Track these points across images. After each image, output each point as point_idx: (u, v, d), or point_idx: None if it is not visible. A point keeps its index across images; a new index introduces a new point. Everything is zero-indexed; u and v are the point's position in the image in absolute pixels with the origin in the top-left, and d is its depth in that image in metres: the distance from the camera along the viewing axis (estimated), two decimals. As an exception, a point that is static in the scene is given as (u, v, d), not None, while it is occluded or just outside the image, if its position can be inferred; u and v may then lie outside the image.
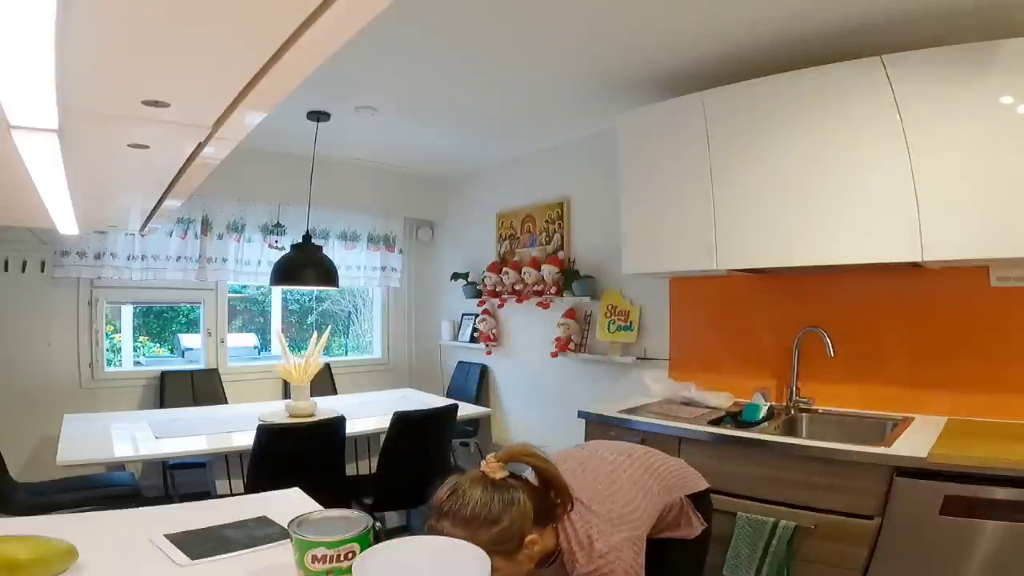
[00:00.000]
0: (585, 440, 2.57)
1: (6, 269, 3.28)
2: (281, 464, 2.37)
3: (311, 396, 2.91)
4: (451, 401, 3.18)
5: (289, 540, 0.90)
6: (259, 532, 1.22)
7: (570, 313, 3.59)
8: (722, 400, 2.59)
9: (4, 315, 3.28)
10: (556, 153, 3.79)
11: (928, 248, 1.95)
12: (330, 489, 2.37)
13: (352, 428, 2.70)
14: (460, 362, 4.55)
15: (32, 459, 3.24)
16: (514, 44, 2.34)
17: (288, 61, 0.83)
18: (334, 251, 4.29)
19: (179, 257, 3.77)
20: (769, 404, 2.46)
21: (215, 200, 3.83)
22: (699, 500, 1.44)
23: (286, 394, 3.67)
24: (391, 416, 2.65)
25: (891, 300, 2.36)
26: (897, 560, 1.74)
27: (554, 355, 3.64)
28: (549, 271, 3.62)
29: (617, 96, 2.86)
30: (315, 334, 2.97)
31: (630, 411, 2.54)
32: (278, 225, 4.07)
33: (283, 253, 3.26)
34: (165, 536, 1.17)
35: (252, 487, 2.32)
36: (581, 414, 2.62)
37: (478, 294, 4.21)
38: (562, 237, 3.71)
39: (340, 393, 4.15)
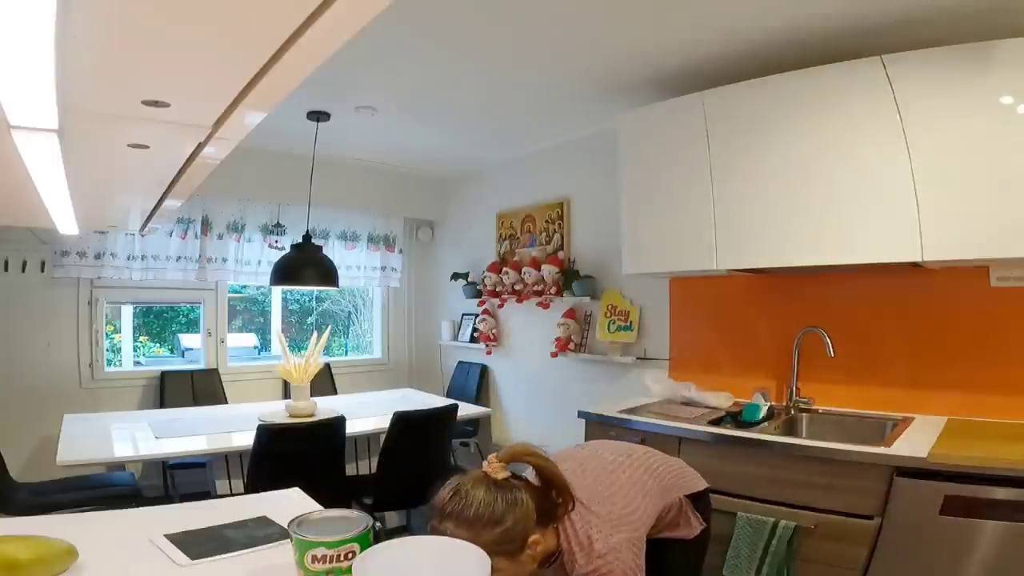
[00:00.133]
0: (585, 440, 2.57)
1: (6, 269, 3.28)
2: (281, 464, 2.37)
3: (311, 396, 2.91)
4: (451, 401, 3.18)
5: (289, 540, 0.90)
6: (259, 532, 1.22)
7: (570, 313, 3.59)
8: (722, 400, 2.59)
9: (4, 315, 3.28)
10: (556, 153, 3.79)
11: (928, 248, 1.95)
12: (330, 489, 2.37)
13: (352, 428, 2.70)
14: (460, 362, 4.55)
15: (32, 459, 3.24)
16: (514, 44, 2.34)
17: (288, 61, 0.83)
18: (334, 251, 4.29)
19: (179, 257, 3.77)
20: (769, 404, 2.46)
21: (215, 200, 3.83)
22: (698, 500, 1.44)
23: (286, 394, 3.67)
24: (391, 416, 2.65)
25: (891, 300, 2.36)
26: (897, 560, 1.74)
27: (554, 355, 3.64)
28: (549, 271, 3.62)
29: (617, 96, 2.86)
30: (315, 334, 2.97)
31: (630, 411, 2.54)
32: (278, 225, 4.07)
33: (283, 253, 3.26)
34: (165, 536, 1.17)
35: (252, 487, 2.32)
36: (581, 414, 2.62)
37: (478, 294, 4.21)
38: (562, 237, 3.71)
39: (340, 393, 4.15)
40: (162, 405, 3.59)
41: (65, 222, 2.25)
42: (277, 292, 4.42)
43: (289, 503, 1.42)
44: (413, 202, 4.70)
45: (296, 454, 2.43)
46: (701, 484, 1.48)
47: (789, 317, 2.60)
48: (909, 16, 2.00)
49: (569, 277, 3.53)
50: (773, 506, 1.98)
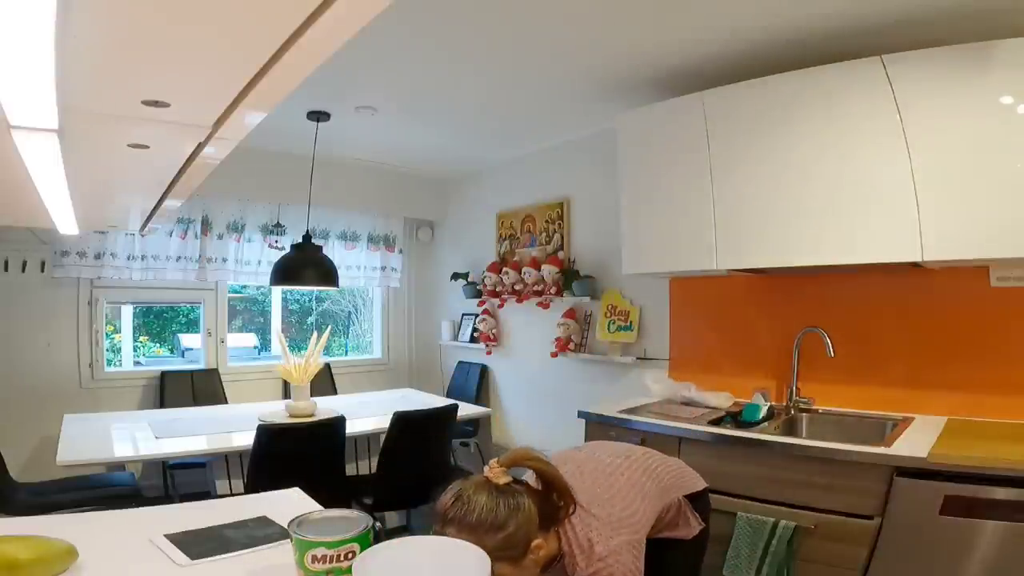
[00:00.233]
0: (585, 440, 2.57)
1: (6, 269, 3.28)
2: (281, 464, 2.37)
3: (311, 396, 2.91)
4: (451, 401, 3.18)
5: (289, 540, 0.90)
6: (259, 532, 1.22)
7: (570, 313, 3.59)
8: (722, 400, 2.59)
9: (4, 315, 3.28)
10: (556, 153, 3.79)
11: (928, 248, 1.95)
12: (330, 489, 2.37)
13: (352, 428, 2.70)
14: (460, 362, 4.55)
15: (32, 459, 3.24)
16: (514, 44, 2.34)
17: (288, 61, 0.83)
18: (334, 251, 4.29)
19: (179, 257, 3.77)
20: (769, 404, 2.46)
21: (215, 200, 3.83)
22: (697, 500, 1.44)
23: (286, 394, 3.67)
24: (391, 416, 2.64)
25: (891, 300, 2.36)
26: (897, 560, 1.74)
27: (554, 355, 3.64)
28: (549, 271, 3.62)
29: (617, 96, 2.86)
30: (315, 334, 2.97)
31: (630, 411, 2.54)
32: (278, 225, 4.07)
33: (283, 253, 3.26)
34: (165, 536, 1.17)
35: (252, 487, 2.32)
36: (581, 414, 2.62)
37: (478, 294, 4.21)
38: (562, 237, 3.71)
39: (340, 393, 4.15)
40: (162, 405, 3.59)
41: (65, 222, 2.25)
42: (277, 292, 4.42)
43: (289, 503, 1.42)
44: (413, 202, 4.70)
45: (296, 454, 2.43)
46: (700, 484, 1.48)
47: (789, 317, 2.60)
48: (909, 16, 2.00)
49: (569, 277, 3.53)
50: (773, 506, 1.98)
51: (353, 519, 0.93)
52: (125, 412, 3.29)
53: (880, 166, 2.05)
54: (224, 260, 3.92)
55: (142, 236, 3.55)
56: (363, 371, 4.66)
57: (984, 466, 1.61)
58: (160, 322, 4.24)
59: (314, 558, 0.86)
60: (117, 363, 3.81)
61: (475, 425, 4.02)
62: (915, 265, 2.07)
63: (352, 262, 4.46)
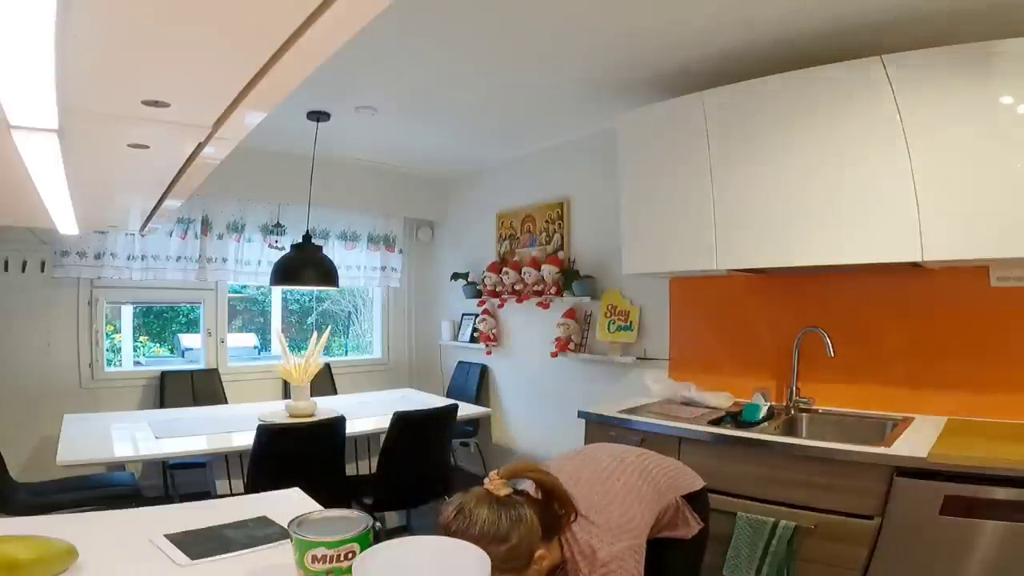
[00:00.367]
0: (585, 440, 2.57)
1: (6, 269, 3.28)
2: (281, 464, 2.37)
3: (311, 396, 2.91)
4: (451, 401, 3.18)
5: (289, 540, 0.90)
6: (259, 532, 1.21)
7: (570, 313, 3.59)
8: (722, 400, 2.59)
9: (4, 315, 3.28)
10: (556, 153, 3.79)
11: (928, 248, 1.95)
12: (330, 489, 2.37)
13: (352, 428, 2.70)
14: (460, 362, 4.55)
15: (32, 459, 3.24)
16: (514, 44, 2.34)
17: (288, 61, 0.83)
18: (334, 251, 4.29)
19: (179, 257, 3.77)
20: (769, 404, 2.46)
21: (215, 200, 3.83)
22: (696, 500, 1.44)
23: (286, 394, 3.67)
24: (391, 416, 2.64)
25: (891, 300, 2.36)
26: (897, 560, 1.74)
27: (554, 355, 3.64)
28: (549, 271, 3.62)
29: (617, 96, 2.86)
30: (315, 334, 2.97)
31: (630, 411, 2.54)
32: (278, 225, 4.07)
33: (283, 253, 3.26)
34: (165, 536, 1.17)
35: (252, 487, 2.32)
36: (581, 414, 2.62)
37: (478, 294, 4.21)
38: (562, 237, 3.71)
39: (340, 393, 4.15)
40: (162, 405, 3.59)
41: (65, 222, 2.25)
42: (277, 292, 4.42)
43: (289, 503, 1.42)
44: (413, 202, 4.70)
45: (296, 454, 2.43)
46: (697, 484, 1.48)
47: (789, 317, 2.60)
48: (909, 15, 2.00)
49: (569, 277, 3.53)
50: (773, 506, 1.98)
51: (353, 519, 0.93)
52: (125, 412, 3.29)
53: (880, 166, 2.05)
54: (224, 260, 3.92)
55: (142, 236, 3.55)
56: (363, 371, 4.66)
57: (984, 466, 1.61)
58: (160, 322, 4.24)
59: (314, 558, 0.86)
60: (117, 363, 3.81)
61: (475, 425, 4.02)
62: (915, 265, 2.07)
63: (352, 262, 4.47)
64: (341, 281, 3.46)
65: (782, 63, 2.33)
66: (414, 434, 2.72)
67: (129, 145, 1.26)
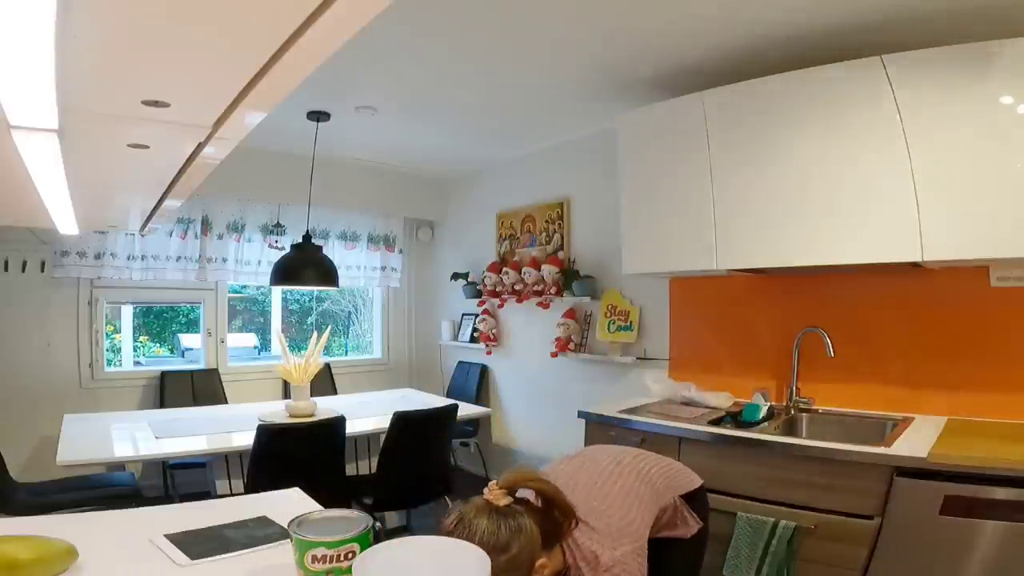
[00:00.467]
0: (585, 440, 2.57)
1: (6, 269, 3.28)
2: (281, 464, 2.37)
3: (311, 396, 2.91)
4: (451, 401, 3.18)
5: (289, 540, 0.90)
6: (259, 532, 1.21)
7: (570, 313, 3.59)
8: (722, 400, 2.59)
9: (4, 315, 3.28)
10: (556, 153, 3.79)
11: (928, 248, 1.95)
12: (330, 489, 2.37)
13: (352, 428, 2.70)
14: (460, 362, 4.55)
15: (32, 459, 3.24)
16: (514, 44, 2.34)
17: (288, 61, 0.83)
18: (334, 251, 4.29)
19: (179, 257, 3.77)
20: (769, 404, 2.46)
21: (215, 200, 3.83)
22: (694, 499, 1.44)
23: (286, 394, 3.67)
24: (391, 416, 2.64)
25: (891, 300, 2.36)
26: (897, 560, 1.74)
27: (554, 355, 3.64)
28: (549, 271, 3.62)
29: (617, 96, 2.86)
30: (315, 334, 2.97)
31: (630, 411, 2.54)
32: (278, 225, 4.07)
33: (283, 253, 3.26)
34: (165, 536, 1.17)
35: (252, 487, 2.32)
36: (581, 414, 2.61)
37: (478, 294, 4.21)
38: (562, 237, 3.71)
39: (340, 393, 4.15)
40: (162, 405, 3.59)
41: (65, 222, 2.25)
42: (277, 292, 4.42)
43: (289, 503, 1.42)
44: (413, 202, 4.70)
45: (296, 454, 2.43)
46: (695, 482, 1.48)
47: (789, 317, 2.60)
48: (909, 15, 2.00)
49: (569, 277, 3.53)
50: (773, 506, 1.98)
51: (353, 519, 0.93)
52: (125, 412, 3.29)
53: (880, 166, 2.05)
54: (224, 260, 3.92)
55: (142, 236, 3.55)
56: (363, 371, 4.66)
57: (984, 466, 1.61)
58: (160, 322, 4.24)
59: (314, 558, 0.86)
60: (117, 363, 3.81)
61: (475, 425, 4.02)
62: (915, 265, 2.07)
63: (352, 262, 4.47)
64: (341, 281, 3.46)
65: (782, 63, 2.33)
66: (414, 434, 2.72)
67: (129, 145, 1.26)
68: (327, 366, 4.24)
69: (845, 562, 1.83)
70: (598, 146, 3.40)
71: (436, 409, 2.86)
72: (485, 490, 1.06)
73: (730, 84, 2.41)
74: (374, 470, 2.77)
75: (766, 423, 2.32)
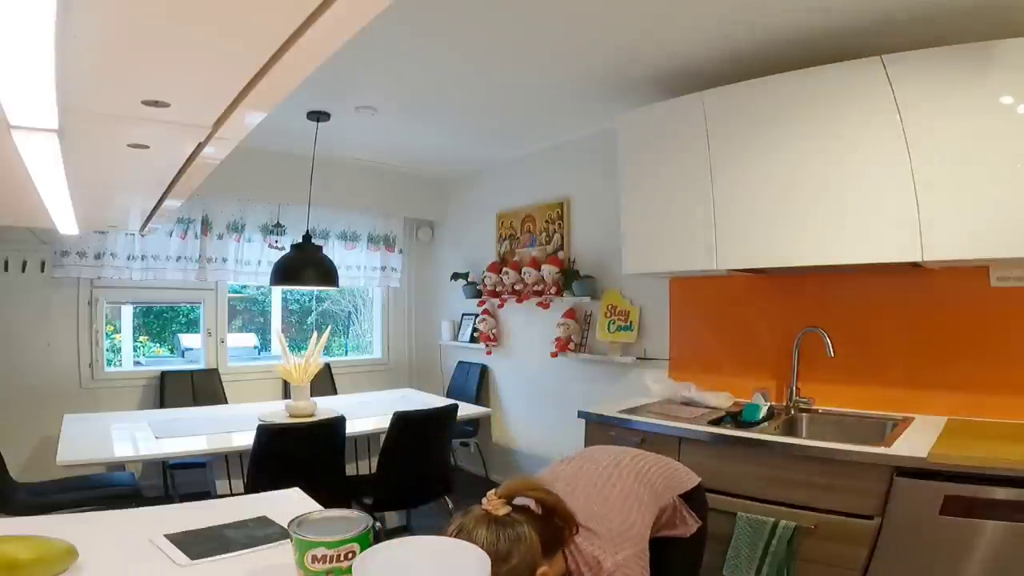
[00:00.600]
0: (584, 440, 2.57)
1: (6, 269, 3.28)
2: (281, 464, 2.37)
3: (311, 396, 2.91)
4: (451, 401, 3.18)
5: (289, 540, 0.90)
6: (259, 532, 1.21)
7: (570, 313, 3.59)
8: (722, 400, 2.59)
9: (4, 315, 3.28)
10: (556, 153, 3.79)
11: (928, 248, 1.95)
12: (330, 489, 2.37)
13: (352, 428, 2.70)
14: (460, 362, 4.55)
15: (32, 459, 3.24)
16: (514, 44, 2.34)
17: (288, 61, 0.83)
18: (334, 251, 4.29)
19: (179, 257, 3.77)
20: (769, 404, 2.46)
21: (215, 200, 3.83)
22: (692, 498, 1.44)
23: (286, 394, 3.67)
24: (391, 416, 2.64)
25: (891, 300, 2.36)
26: (897, 560, 1.74)
27: (554, 355, 3.64)
28: (549, 271, 3.62)
29: (617, 96, 2.86)
30: (315, 334, 2.97)
31: (630, 411, 2.54)
32: (278, 225, 4.07)
33: (283, 253, 3.26)
34: (165, 536, 1.17)
35: (252, 487, 2.32)
36: (581, 414, 2.61)
37: (478, 294, 4.21)
38: (562, 237, 3.71)
39: (340, 393, 4.15)
40: (162, 405, 3.59)
41: (65, 222, 2.25)
42: (277, 292, 4.42)
43: (289, 503, 1.42)
44: (413, 202, 4.70)
45: (296, 454, 2.43)
46: (692, 481, 1.48)
47: (789, 317, 2.60)
48: (909, 16, 2.00)
49: (569, 277, 3.53)
50: (773, 506, 1.98)
51: (353, 519, 0.93)
52: (125, 412, 3.29)
53: (880, 166, 2.04)
54: (224, 260, 3.92)
55: (142, 236, 3.55)
56: (363, 371, 4.66)
57: (984, 466, 1.61)
58: (160, 322, 4.24)
59: (314, 558, 0.86)
60: (117, 363, 3.81)
61: (475, 425, 4.02)
62: (915, 265, 2.07)
63: (352, 262, 4.47)
64: (341, 281, 3.46)
65: (782, 63, 2.33)
66: (414, 434, 2.72)
67: (129, 145, 1.26)
68: (327, 366, 4.24)
69: (845, 562, 1.83)
70: (598, 146, 3.40)
71: (436, 409, 2.86)
72: (484, 500, 1.05)
73: (730, 84, 2.41)
74: (374, 470, 2.77)
75: (766, 423, 2.32)
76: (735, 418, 2.43)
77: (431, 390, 4.25)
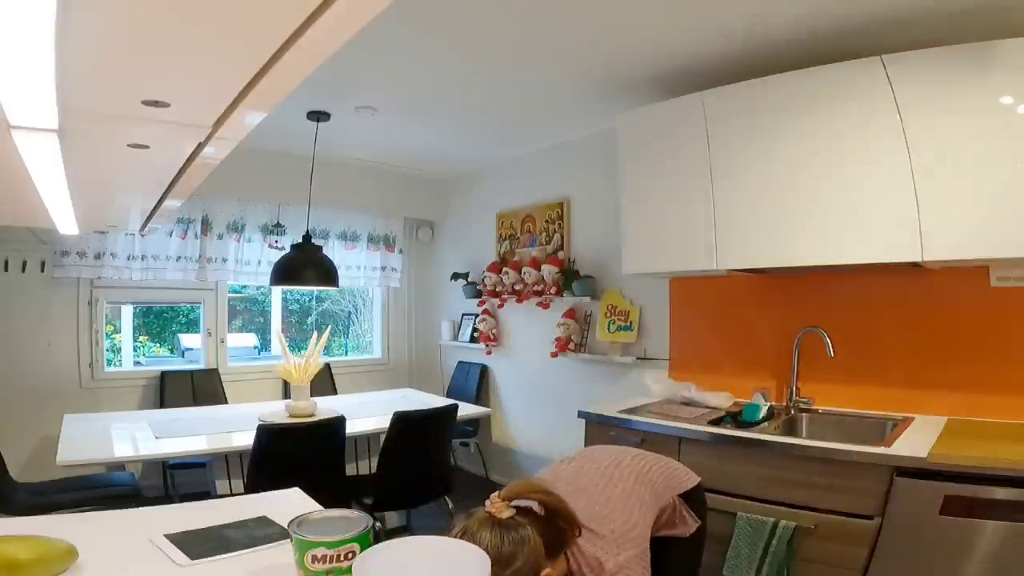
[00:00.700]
0: (584, 440, 2.57)
1: (6, 269, 3.28)
2: (281, 464, 2.37)
3: (311, 396, 2.91)
4: (451, 401, 3.18)
5: (289, 540, 0.90)
6: (259, 532, 1.21)
7: (570, 313, 3.59)
8: (722, 400, 2.59)
9: (4, 315, 3.28)
10: (556, 153, 3.79)
11: (928, 248, 1.95)
12: (330, 489, 2.37)
13: (352, 428, 2.70)
14: (460, 362, 4.55)
15: (32, 459, 3.24)
16: (514, 44, 2.34)
17: (288, 61, 0.83)
18: (334, 251, 4.29)
19: (179, 257, 3.77)
20: (769, 404, 2.46)
21: (215, 200, 3.83)
22: (691, 497, 1.44)
23: (286, 394, 3.67)
24: (391, 416, 2.64)
25: (891, 300, 2.36)
26: (897, 560, 1.74)
27: (554, 355, 3.64)
28: (549, 271, 3.62)
29: (617, 96, 2.86)
30: (315, 334, 2.97)
31: (630, 411, 2.54)
32: (278, 225, 4.07)
33: (283, 253, 3.26)
34: (165, 536, 1.17)
35: (252, 487, 2.32)
36: (581, 414, 2.62)
37: (478, 294, 4.21)
38: (562, 237, 3.71)
39: (340, 393, 4.15)
40: (162, 405, 3.59)
41: (65, 222, 2.25)
42: (277, 292, 4.42)
43: (289, 503, 1.42)
44: (413, 202, 4.70)
45: (296, 454, 2.43)
46: (692, 480, 1.48)
47: (789, 317, 2.60)
48: (909, 16, 2.00)
49: (569, 277, 3.53)
50: (773, 506, 1.98)
51: (353, 519, 0.93)
52: (125, 412, 3.29)
53: (880, 166, 2.04)
54: (224, 260, 3.92)
55: (142, 236, 3.55)
56: (363, 371, 4.66)
57: (984, 466, 1.61)
58: (160, 322, 4.24)
59: (314, 558, 0.86)
60: (117, 363, 3.81)
61: (475, 425, 4.02)
62: (915, 265, 2.07)
63: (352, 262, 4.46)
64: (341, 281, 3.46)
65: (782, 63, 2.33)
66: (414, 434, 2.72)
67: (129, 145, 1.26)
68: (327, 366, 4.24)
69: (845, 562, 1.83)
70: (598, 146, 3.40)
71: (436, 409, 2.86)
72: (487, 502, 1.05)
73: (730, 84, 2.41)
74: (374, 470, 2.77)
75: (766, 423, 2.32)
76: (735, 418, 2.43)
77: (431, 390, 4.25)
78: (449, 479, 2.94)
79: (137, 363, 3.94)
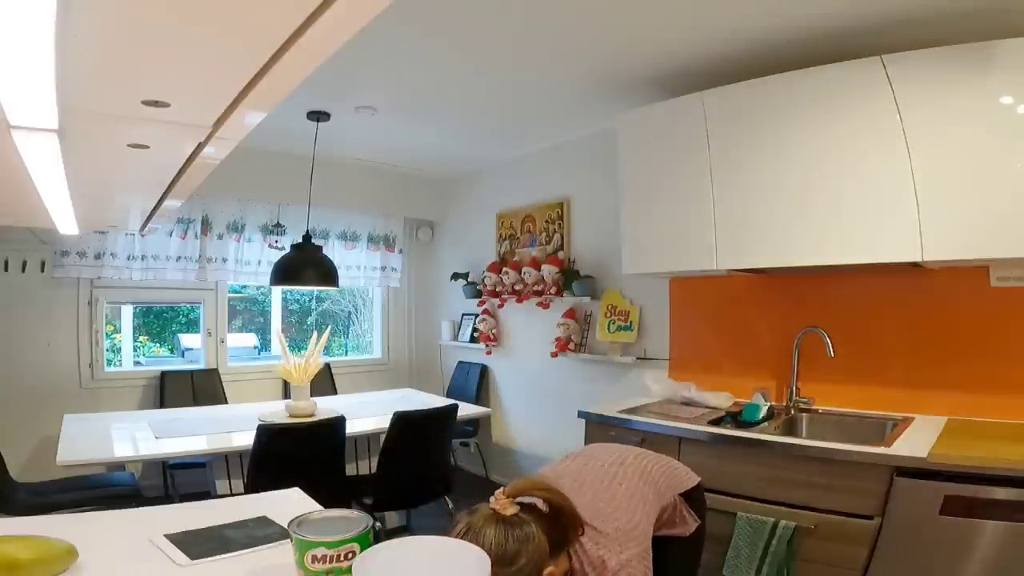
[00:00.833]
0: (585, 441, 2.57)
1: (6, 269, 3.28)
2: (281, 464, 2.37)
3: (311, 396, 2.91)
4: (451, 401, 3.18)
5: (289, 540, 0.90)
6: (259, 532, 1.21)
7: (570, 313, 3.59)
8: (722, 400, 2.59)
9: (4, 315, 3.28)
10: (556, 153, 3.79)
11: (928, 248, 1.95)
12: (330, 489, 2.37)
13: (352, 428, 2.70)
14: (460, 362, 4.55)
15: (32, 459, 3.24)
16: (514, 44, 2.34)
17: (288, 61, 0.83)
18: (334, 251, 4.29)
19: (179, 257, 3.77)
20: (769, 404, 2.46)
21: (215, 200, 3.83)
22: (691, 497, 1.45)
23: (286, 394, 3.67)
24: (391, 416, 2.64)
25: (891, 300, 2.36)
26: (897, 560, 1.74)
27: (554, 355, 3.64)
28: (549, 271, 3.62)
29: (617, 96, 2.86)
30: (315, 334, 2.97)
31: (630, 411, 2.54)
32: (278, 225, 4.07)
33: (283, 253, 3.26)
34: (165, 536, 1.17)
35: (252, 487, 2.32)
36: (581, 414, 2.62)
37: (478, 294, 4.21)
38: (562, 237, 3.71)
39: (340, 393, 4.15)
40: (162, 405, 3.59)
41: (65, 222, 2.25)
42: (277, 292, 4.42)
43: (289, 503, 1.42)
44: (413, 202, 4.70)
45: (296, 454, 2.43)
46: (692, 480, 1.48)
47: (789, 317, 2.60)
48: (909, 16, 2.00)
49: (569, 277, 3.53)
50: (773, 506, 1.98)
51: (353, 519, 0.93)
52: (125, 412, 3.29)
53: (880, 166, 2.04)
54: (224, 260, 3.92)
55: (142, 236, 3.55)
56: (363, 371, 4.66)
57: (984, 466, 1.61)
58: (160, 322, 4.24)
59: (314, 558, 0.86)
60: (117, 363, 3.81)
61: (475, 425, 4.02)
62: (915, 265, 2.07)
63: (352, 262, 4.47)
64: (341, 281, 3.46)
65: (782, 63, 2.33)
66: (414, 434, 2.72)
67: (129, 145, 1.26)
68: (327, 366, 4.24)
69: (845, 562, 1.83)
70: (598, 146, 3.40)
71: (436, 409, 2.86)
72: (492, 498, 1.05)
73: (730, 84, 2.41)
74: (374, 470, 2.77)
75: (766, 423, 2.32)
76: (735, 418, 2.43)
77: (431, 390, 4.25)
78: (449, 479, 2.94)
79: (137, 363, 3.94)
